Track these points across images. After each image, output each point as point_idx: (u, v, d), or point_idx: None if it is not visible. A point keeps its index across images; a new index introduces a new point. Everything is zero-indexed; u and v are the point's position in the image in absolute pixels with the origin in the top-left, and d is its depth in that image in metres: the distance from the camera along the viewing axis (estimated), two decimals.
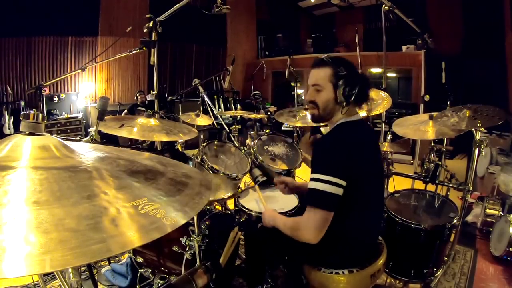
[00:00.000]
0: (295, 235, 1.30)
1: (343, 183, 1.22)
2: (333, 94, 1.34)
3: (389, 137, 2.56)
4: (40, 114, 0.69)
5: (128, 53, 2.19)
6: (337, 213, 1.27)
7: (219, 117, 3.37)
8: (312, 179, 1.24)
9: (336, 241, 1.34)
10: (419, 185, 2.36)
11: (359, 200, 1.34)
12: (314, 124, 1.82)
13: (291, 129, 3.20)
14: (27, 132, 0.69)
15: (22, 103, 5.27)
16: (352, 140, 1.32)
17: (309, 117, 1.99)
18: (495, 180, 3.14)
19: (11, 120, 5.00)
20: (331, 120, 1.41)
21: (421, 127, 2.17)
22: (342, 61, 1.36)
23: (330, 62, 1.35)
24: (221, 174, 2.16)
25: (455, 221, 1.88)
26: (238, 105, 6.54)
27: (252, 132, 2.94)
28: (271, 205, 1.98)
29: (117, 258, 2.34)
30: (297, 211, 1.83)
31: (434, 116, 2.10)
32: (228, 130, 3.01)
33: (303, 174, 2.92)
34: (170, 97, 3.77)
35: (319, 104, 1.38)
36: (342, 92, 1.31)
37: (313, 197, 1.24)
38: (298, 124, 2.76)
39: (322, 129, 2.45)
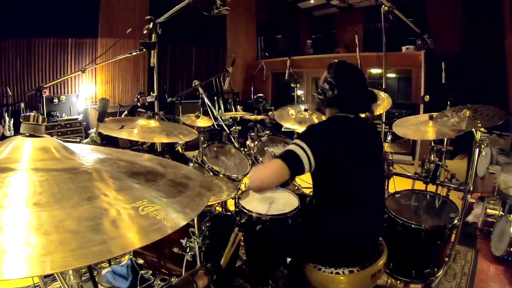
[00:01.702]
0: (254, 175, 1.41)
1: (312, 160, 1.29)
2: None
3: (389, 138, 2.56)
4: (40, 116, 0.69)
5: (128, 55, 2.20)
6: (331, 210, 1.31)
7: (219, 118, 3.37)
8: (290, 143, 1.36)
9: (335, 240, 1.35)
10: (419, 185, 2.36)
11: (354, 197, 1.36)
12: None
13: (291, 130, 3.20)
14: (27, 134, 0.69)
15: (22, 105, 5.27)
16: (336, 131, 1.41)
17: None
18: (496, 180, 3.14)
19: (11, 122, 5.00)
20: (325, 116, 1.53)
21: (421, 127, 2.17)
22: (338, 66, 1.45)
23: (329, 66, 1.46)
24: (221, 175, 2.16)
25: (455, 221, 1.88)
26: (238, 106, 6.53)
27: (252, 133, 2.95)
28: (272, 206, 1.98)
29: (118, 260, 2.33)
30: (297, 212, 1.83)
31: (434, 116, 2.10)
32: (228, 131, 3.01)
33: (304, 176, 2.91)
34: (170, 99, 3.77)
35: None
36: (318, 93, 1.48)
37: (282, 154, 1.34)
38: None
39: None
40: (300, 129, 2.55)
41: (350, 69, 1.47)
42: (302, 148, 1.29)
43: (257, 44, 8.95)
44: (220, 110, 7.20)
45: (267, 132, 2.91)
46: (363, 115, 1.53)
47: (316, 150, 1.29)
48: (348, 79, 1.44)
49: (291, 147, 1.32)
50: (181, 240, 1.50)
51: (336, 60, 1.47)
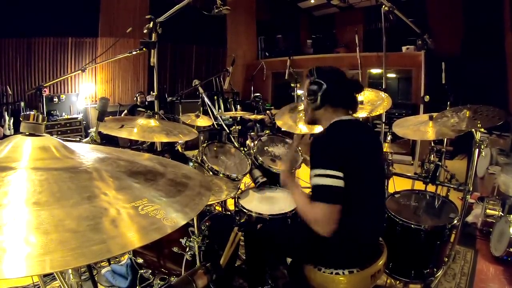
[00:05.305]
0: (308, 223, 1.32)
1: (341, 174, 1.26)
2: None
3: (389, 138, 2.55)
4: (40, 115, 0.69)
5: (128, 54, 2.19)
6: None
7: (219, 118, 3.37)
8: (313, 176, 1.29)
9: (335, 240, 1.35)
10: (419, 185, 2.36)
11: (356, 199, 1.35)
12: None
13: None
14: (27, 133, 0.69)
15: (22, 104, 5.27)
16: (343, 136, 1.40)
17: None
18: (495, 180, 3.14)
19: (11, 121, 5.00)
20: (322, 123, 1.51)
21: (421, 127, 2.17)
22: (319, 71, 1.47)
23: (309, 73, 1.49)
24: (221, 175, 2.16)
25: (455, 221, 1.88)
26: (238, 106, 6.52)
27: (252, 133, 2.94)
28: (271, 206, 1.98)
29: (117, 259, 2.33)
30: (297, 212, 1.83)
31: (434, 116, 2.10)
32: (228, 131, 3.00)
33: (303, 175, 2.92)
34: (170, 98, 3.77)
35: (304, 111, 1.57)
36: (307, 97, 1.46)
37: (317, 193, 1.28)
38: None
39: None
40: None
41: (328, 68, 1.52)
42: (329, 176, 1.25)
43: (257, 44, 8.94)
44: (220, 110, 7.19)
45: (267, 131, 2.91)
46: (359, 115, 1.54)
47: (338, 166, 1.26)
48: (330, 74, 1.48)
49: (320, 181, 1.25)
50: (181, 240, 1.50)
51: (314, 66, 1.50)
